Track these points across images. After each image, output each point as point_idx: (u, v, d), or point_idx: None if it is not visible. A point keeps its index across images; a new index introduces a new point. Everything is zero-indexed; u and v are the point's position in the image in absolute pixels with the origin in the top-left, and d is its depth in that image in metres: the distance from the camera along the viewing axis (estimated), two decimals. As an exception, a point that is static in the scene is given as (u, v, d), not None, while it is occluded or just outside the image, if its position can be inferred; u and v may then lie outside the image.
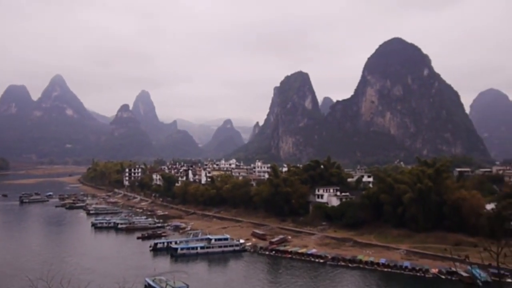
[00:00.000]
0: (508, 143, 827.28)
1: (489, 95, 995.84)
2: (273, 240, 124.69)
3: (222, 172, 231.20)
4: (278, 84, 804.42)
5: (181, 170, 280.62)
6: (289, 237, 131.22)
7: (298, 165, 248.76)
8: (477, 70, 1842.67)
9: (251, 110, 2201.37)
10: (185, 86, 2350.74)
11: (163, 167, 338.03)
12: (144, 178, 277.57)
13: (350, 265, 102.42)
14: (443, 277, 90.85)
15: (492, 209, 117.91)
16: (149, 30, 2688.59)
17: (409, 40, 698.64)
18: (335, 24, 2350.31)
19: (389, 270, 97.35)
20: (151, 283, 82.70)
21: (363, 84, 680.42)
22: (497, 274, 77.88)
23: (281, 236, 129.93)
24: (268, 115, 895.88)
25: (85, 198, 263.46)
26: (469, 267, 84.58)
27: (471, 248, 79.81)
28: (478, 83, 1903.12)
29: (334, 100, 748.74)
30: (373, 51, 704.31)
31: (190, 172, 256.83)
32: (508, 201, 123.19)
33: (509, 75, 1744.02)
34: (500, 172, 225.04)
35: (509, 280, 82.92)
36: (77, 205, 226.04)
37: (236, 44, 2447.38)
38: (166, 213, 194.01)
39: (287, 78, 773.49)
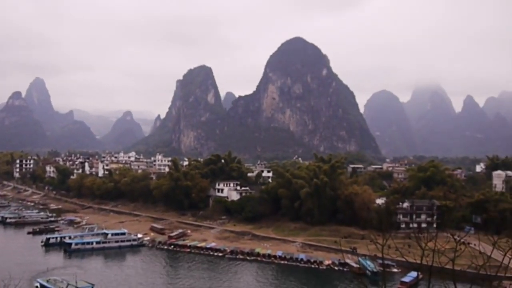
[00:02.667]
0: (397, 142, 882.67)
1: (382, 96, 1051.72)
2: (172, 234, 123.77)
3: (121, 165, 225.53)
4: (181, 78, 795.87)
5: (77, 162, 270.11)
6: (189, 231, 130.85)
7: (199, 159, 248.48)
8: (371, 71, 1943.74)
9: (153, 103, 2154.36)
10: (84, 75, 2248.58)
11: (57, 159, 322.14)
12: (36, 170, 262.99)
13: (248, 258, 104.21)
14: (336, 268, 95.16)
15: (382, 203, 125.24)
16: (47, 15, 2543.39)
17: (309, 40, 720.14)
18: (240, 21, 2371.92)
19: (286, 262, 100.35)
20: (45, 284, 75.84)
21: (265, 81, 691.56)
22: (384, 265, 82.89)
23: (180, 230, 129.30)
24: (170, 108, 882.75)
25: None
26: (359, 258, 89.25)
27: (361, 240, 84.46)
28: (372, 84, 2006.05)
29: (237, 96, 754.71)
30: (275, 49, 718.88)
31: (86, 164, 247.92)
32: (395, 196, 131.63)
33: (400, 78, 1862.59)
34: (390, 169, 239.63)
35: (394, 270, 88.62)
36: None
37: (140, 35, 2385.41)
38: (60, 206, 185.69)
39: (190, 71, 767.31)
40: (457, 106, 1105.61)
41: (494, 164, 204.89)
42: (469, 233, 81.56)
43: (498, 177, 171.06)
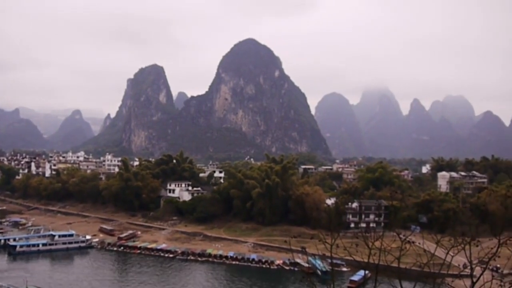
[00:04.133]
0: (347, 143, 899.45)
1: (332, 98, 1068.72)
2: (122, 235, 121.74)
3: (69, 165, 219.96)
4: (132, 76, 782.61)
5: (22, 162, 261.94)
6: (139, 232, 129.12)
7: (151, 159, 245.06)
8: (322, 74, 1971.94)
9: (103, 102, 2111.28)
10: (30, 72, 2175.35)
11: (2, 158, 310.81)
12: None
13: (199, 259, 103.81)
14: (286, 268, 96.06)
15: (332, 203, 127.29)
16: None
17: (262, 41, 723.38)
18: (192, 22, 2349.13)
19: (237, 262, 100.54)
20: None
21: (217, 81, 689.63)
22: (333, 264, 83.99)
23: (130, 232, 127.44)
24: (120, 107, 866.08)
25: None
26: (310, 258, 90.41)
27: (310, 240, 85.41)
28: (323, 87, 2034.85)
29: (189, 96, 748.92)
30: (228, 50, 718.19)
31: (33, 164, 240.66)
32: (345, 196, 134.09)
33: (350, 81, 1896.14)
34: (340, 169, 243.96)
35: (344, 269, 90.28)
36: None
37: (89, 32, 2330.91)
38: (4, 207, 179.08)
39: (142, 70, 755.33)
40: (405, 109, 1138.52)
41: (439, 165, 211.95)
42: (414, 232, 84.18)
43: (443, 178, 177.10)
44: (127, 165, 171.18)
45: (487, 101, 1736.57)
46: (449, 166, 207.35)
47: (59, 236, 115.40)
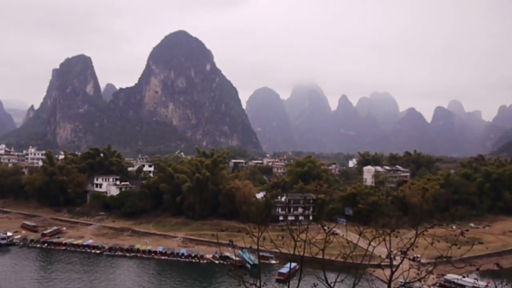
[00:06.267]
0: (278, 137, 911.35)
1: (264, 93, 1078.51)
2: (46, 231, 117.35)
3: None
4: (57, 66, 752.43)
5: None
6: (64, 228, 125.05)
7: (77, 153, 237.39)
8: (254, 69, 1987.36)
9: (26, 93, 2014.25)
10: None
11: None
12: None
13: (127, 254, 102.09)
14: (216, 262, 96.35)
15: (262, 197, 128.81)
16: None
17: (194, 34, 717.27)
18: (123, 10, 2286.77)
19: (166, 257, 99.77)
20: None
21: (147, 73, 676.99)
22: (262, 256, 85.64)
23: (55, 228, 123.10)
24: (45, 98, 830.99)
25: None
26: (240, 251, 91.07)
27: (240, 233, 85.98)
28: (254, 81, 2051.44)
29: (118, 88, 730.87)
30: (159, 41, 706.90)
31: None
32: (275, 190, 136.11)
33: (281, 76, 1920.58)
34: (270, 164, 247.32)
35: (273, 261, 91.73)
36: None
37: (12, 20, 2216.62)
38: None
39: (68, 60, 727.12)
40: (333, 104, 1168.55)
41: (365, 159, 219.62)
42: (341, 224, 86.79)
43: (368, 172, 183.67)
44: (52, 158, 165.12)
45: (410, 98, 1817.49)
46: (374, 160, 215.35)
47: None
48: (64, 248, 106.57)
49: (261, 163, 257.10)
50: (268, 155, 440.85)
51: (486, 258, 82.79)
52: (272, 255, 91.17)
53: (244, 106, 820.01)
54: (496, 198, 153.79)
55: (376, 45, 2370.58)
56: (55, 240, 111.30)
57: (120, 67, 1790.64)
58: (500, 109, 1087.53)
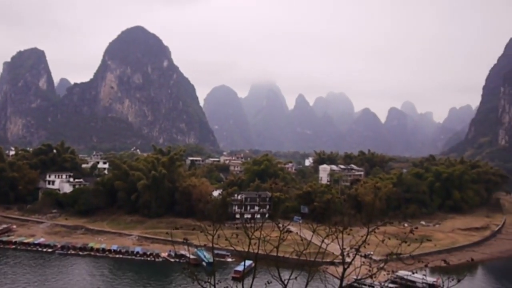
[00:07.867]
0: (235, 136, 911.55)
1: (221, 91, 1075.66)
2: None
3: None
4: (8, 59, 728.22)
5: None
6: (14, 226, 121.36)
7: (28, 148, 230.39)
8: (212, 66, 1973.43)
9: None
10: None
11: None
12: None
13: (81, 253, 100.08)
14: (172, 260, 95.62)
15: (218, 195, 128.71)
16: None
17: (152, 30, 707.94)
18: (78, 3, 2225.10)
19: (121, 256, 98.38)
20: None
21: (103, 68, 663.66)
22: (218, 254, 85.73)
23: (4, 226, 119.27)
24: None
25: None
26: (196, 250, 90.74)
27: (195, 232, 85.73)
28: (212, 79, 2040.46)
29: (72, 82, 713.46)
30: (115, 36, 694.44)
31: None
32: (231, 188, 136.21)
33: (239, 74, 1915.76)
34: (227, 162, 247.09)
35: (229, 259, 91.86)
36: None
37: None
38: None
39: (20, 54, 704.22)
40: (290, 103, 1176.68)
41: (321, 158, 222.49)
42: (296, 222, 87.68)
43: (324, 171, 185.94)
44: (2, 154, 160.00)
45: (365, 99, 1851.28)
46: (330, 159, 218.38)
47: None
48: (14, 247, 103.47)
49: (218, 161, 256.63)
50: (225, 153, 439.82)
51: (435, 255, 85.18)
52: (228, 253, 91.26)
53: (201, 103, 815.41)
54: (446, 197, 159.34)
55: (333, 46, 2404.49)
56: (4, 238, 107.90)
57: (75, 61, 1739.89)
58: (450, 111, 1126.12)
